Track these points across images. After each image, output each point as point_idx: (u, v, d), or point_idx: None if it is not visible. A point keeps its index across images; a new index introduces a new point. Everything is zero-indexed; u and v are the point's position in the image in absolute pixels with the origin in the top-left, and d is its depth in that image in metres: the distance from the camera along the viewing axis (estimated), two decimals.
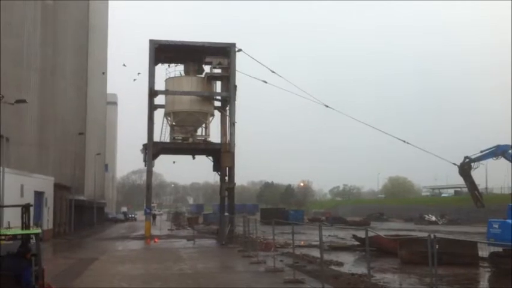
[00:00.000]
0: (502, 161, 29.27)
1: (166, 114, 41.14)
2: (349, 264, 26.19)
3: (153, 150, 38.62)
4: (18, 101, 31.73)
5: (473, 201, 28.15)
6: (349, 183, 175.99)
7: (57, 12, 50.12)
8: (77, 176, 55.64)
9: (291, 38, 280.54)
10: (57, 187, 46.13)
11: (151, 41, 39.31)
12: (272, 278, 18.92)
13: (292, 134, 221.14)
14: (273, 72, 37.73)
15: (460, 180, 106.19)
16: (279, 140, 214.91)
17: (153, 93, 39.32)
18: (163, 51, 40.08)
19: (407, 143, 33.72)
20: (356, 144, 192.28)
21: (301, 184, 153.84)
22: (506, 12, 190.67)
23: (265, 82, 38.47)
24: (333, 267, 23.18)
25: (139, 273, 21.39)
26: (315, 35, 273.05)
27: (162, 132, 40.73)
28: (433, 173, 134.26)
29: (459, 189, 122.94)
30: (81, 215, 60.66)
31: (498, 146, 27.54)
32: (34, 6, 46.09)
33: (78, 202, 56.32)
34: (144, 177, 56.83)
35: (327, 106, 37.54)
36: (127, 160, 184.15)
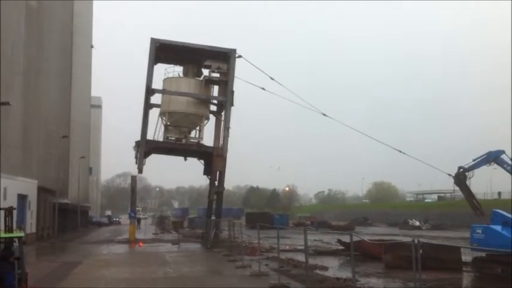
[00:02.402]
0: (485, 168, 29.49)
1: (161, 114, 40.88)
2: (334, 268, 26.25)
3: (145, 148, 38.33)
4: (1, 103, 31.39)
5: (472, 209, 28.38)
6: (334, 188, 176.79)
7: (42, 14, 49.79)
8: (60, 179, 55.23)
9: (286, 41, 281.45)
10: (41, 190, 45.74)
11: (153, 39, 39.04)
12: (257, 283, 18.92)
13: (277, 138, 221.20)
14: (272, 79, 37.58)
15: (443, 186, 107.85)
16: (264, 144, 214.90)
17: (150, 91, 39.11)
18: (163, 51, 39.87)
19: (403, 153, 33.60)
20: (341, 149, 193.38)
21: (286, 189, 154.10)
22: (506, 12, 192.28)
23: (263, 89, 38.41)
24: (317, 271, 23.23)
25: (124, 277, 21.29)
26: (309, 40, 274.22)
27: (156, 132, 40.45)
28: (417, 179, 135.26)
29: (443, 194, 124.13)
30: (65, 218, 60.22)
31: (489, 153, 27.70)
32: (18, 7, 45.70)
33: (62, 205, 55.87)
34: (129, 180, 56.60)
35: (325, 115, 37.33)
36: (111, 163, 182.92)
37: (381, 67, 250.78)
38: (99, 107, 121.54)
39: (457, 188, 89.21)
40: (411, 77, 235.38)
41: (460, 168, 28.65)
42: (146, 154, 38.91)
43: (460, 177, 28.42)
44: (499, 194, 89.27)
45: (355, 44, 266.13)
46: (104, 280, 20.24)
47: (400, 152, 33.51)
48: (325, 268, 25.34)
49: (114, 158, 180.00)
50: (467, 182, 29.41)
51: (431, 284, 19.80)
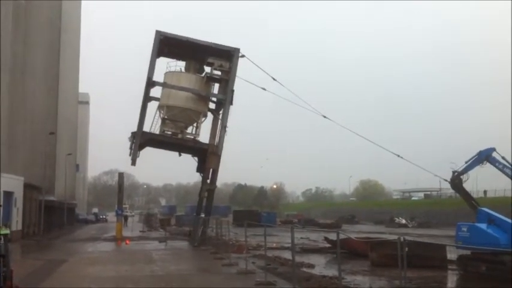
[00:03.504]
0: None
1: (159, 107, 40.70)
2: (320, 266, 26.38)
3: (141, 139, 38.13)
4: None
5: (473, 211, 28.40)
6: (322, 186, 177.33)
7: (29, 12, 49.45)
8: (47, 176, 54.85)
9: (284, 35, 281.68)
10: (27, 187, 45.46)
11: (158, 32, 38.79)
12: (244, 280, 18.94)
13: (265, 135, 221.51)
14: (274, 79, 37.45)
15: (429, 184, 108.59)
16: (252, 141, 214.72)
17: (150, 83, 38.94)
18: (166, 45, 39.64)
19: (401, 157, 33.63)
20: (328, 147, 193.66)
21: (274, 186, 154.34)
22: (503, 11, 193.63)
23: (264, 89, 38.31)
24: (304, 269, 23.31)
25: (110, 275, 21.19)
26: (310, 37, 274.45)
27: (153, 124, 40.22)
28: (404, 177, 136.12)
29: (429, 192, 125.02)
30: (51, 215, 59.87)
31: (480, 152, 27.73)
32: (6, 5, 45.30)
33: (48, 203, 55.55)
34: (116, 177, 56.33)
35: (325, 117, 37.16)
36: (99, 160, 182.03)
37: (377, 64, 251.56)
38: (87, 103, 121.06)
39: (443, 186, 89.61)
40: (406, 73, 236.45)
41: (454, 172, 28.73)
42: (141, 146, 38.66)
43: (456, 182, 28.50)
44: (485, 192, 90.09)
45: (349, 40, 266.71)
46: (89, 278, 20.14)
47: (399, 156, 33.51)
48: (312, 266, 25.45)
49: (102, 155, 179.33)
50: (464, 185, 29.51)
51: (416, 281, 19.97)
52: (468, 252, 24.24)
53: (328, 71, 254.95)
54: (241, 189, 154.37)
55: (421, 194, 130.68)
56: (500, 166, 27.03)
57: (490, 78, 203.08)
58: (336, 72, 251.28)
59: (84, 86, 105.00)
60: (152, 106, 40.27)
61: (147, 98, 38.98)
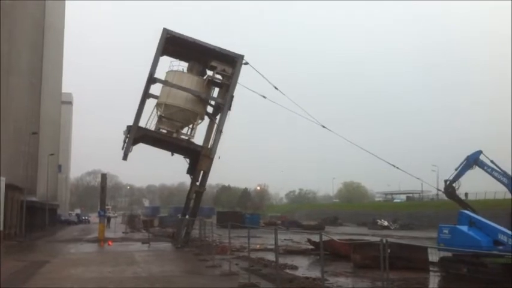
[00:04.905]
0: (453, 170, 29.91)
1: (157, 105, 40.57)
2: (303, 267, 26.47)
3: (136, 134, 37.94)
4: None
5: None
6: (305, 187, 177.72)
7: (14, 10, 49.00)
8: (29, 176, 54.40)
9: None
10: (9, 188, 44.98)
11: (165, 29, 38.57)
12: (227, 282, 18.97)
13: (248, 136, 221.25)
14: (276, 88, 37.64)
15: (411, 187, 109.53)
16: (236, 143, 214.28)
17: (152, 79, 38.81)
18: (171, 44, 39.51)
19: (397, 167, 33.89)
20: (312, 148, 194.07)
21: (258, 188, 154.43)
22: (501, 8, 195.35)
23: (264, 97, 38.43)
24: (287, 270, 23.38)
25: (92, 276, 21.10)
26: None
27: (149, 121, 40.06)
28: (386, 179, 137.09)
29: (411, 195, 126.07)
30: (33, 216, 59.37)
31: (468, 157, 28.05)
32: None
33: (30, 203, 55.07)
34: (99, 178, 55.98)
35: (324, 126, 37.37)
36: (81, 161, 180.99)
37: (372, 59, 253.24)
38: (70, 103, 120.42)
39: (425, 189, 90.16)
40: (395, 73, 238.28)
41: (446, 181, 29.04)
42: (135, 141, 38.45)
43: (449, 191, 28.79)
44: (466, 194, 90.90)
45: (347, 39, 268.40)
46: (70, 279, 20.03)
47: (394, 166, 33.73)
48: (295, 267, 25.54)
49: (84, 156, 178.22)
50: (458, 193, 29.76)
51: (398, 283, 20.14)
52: (449, 254, 24.49)
53: (325, 68, 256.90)
54: (225, 191, 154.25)
55: (403, 196, 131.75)
56: (489, 170, 27.37)
57: (479, 78, 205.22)
58: (331, 69, 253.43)
59: (67, 87, 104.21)
60: (149, 104, 40.26)
61: (146, 94, 38.85)
